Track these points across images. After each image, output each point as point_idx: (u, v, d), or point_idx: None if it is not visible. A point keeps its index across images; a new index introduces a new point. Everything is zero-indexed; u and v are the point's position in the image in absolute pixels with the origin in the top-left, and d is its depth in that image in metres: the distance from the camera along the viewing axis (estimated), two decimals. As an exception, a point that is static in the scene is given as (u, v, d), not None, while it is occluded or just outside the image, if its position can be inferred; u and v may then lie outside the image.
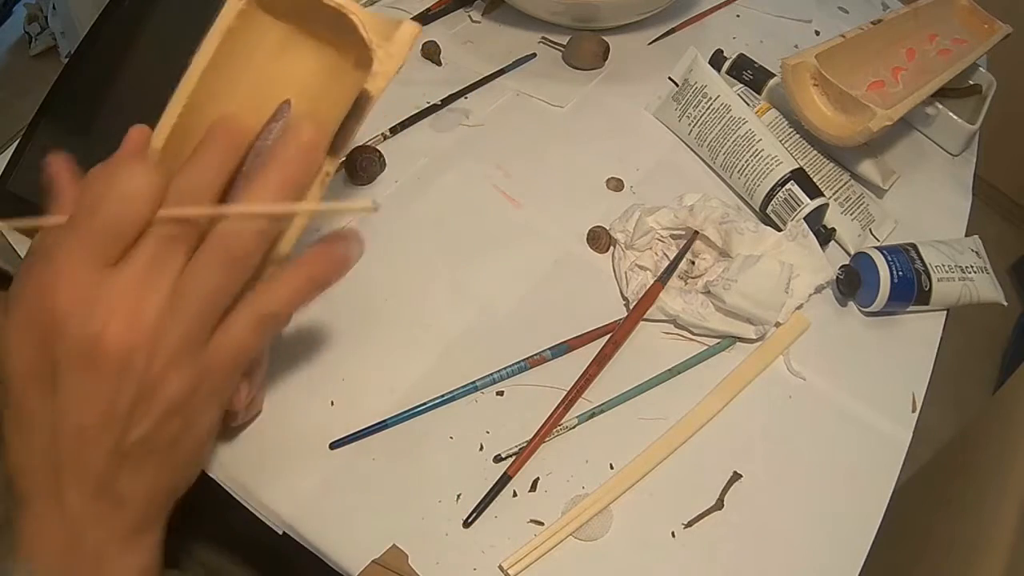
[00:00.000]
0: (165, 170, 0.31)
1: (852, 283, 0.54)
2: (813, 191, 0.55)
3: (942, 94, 0.67)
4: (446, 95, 0.63)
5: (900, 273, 0.53)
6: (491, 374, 0.48)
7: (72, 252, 0.29)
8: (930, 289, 0.53)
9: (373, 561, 0.41)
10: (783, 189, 0.56)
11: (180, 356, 0.30)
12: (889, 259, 0.53)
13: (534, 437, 0.45)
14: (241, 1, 0.38)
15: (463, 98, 0.64)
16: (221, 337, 0.32)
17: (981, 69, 0.72)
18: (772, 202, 0.56)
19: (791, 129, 0.62)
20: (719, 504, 0.45)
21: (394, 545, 0.41)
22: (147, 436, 0.31)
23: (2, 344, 0.30)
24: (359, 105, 0.36)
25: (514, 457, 0.44)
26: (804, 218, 0.55)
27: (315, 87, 0.41)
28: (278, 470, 0.43)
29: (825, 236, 0.57)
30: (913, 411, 0.51)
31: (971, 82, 0.71)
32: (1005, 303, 0.55)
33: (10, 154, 0.53)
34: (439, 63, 0.67)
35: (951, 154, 0.69)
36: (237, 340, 0.32)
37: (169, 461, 0.33)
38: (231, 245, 0.31)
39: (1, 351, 0.30)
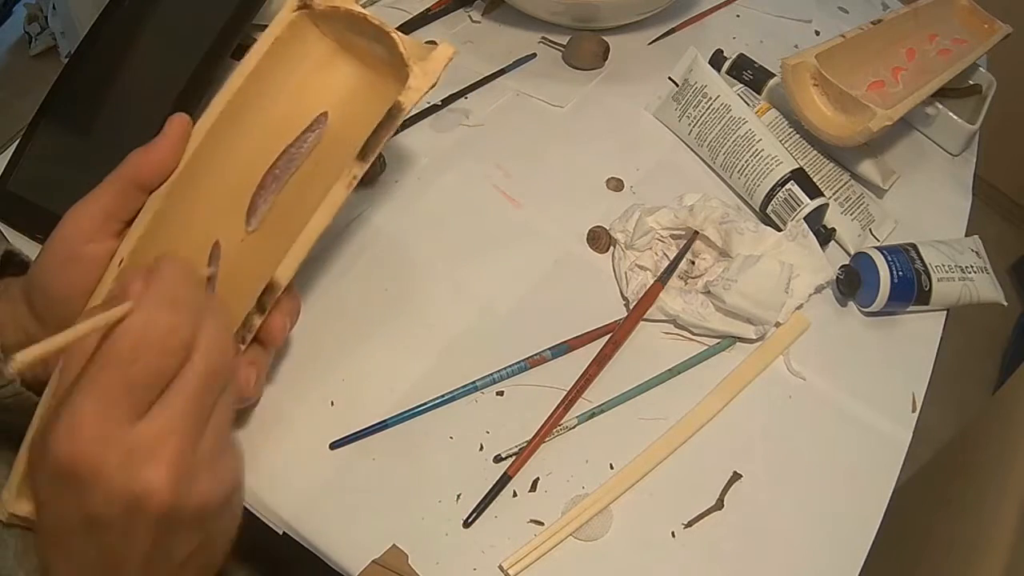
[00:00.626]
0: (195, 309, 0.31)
1: (852, 283, 0.54)
2: (813, 191, 0.55)
3: (942, 94, 0.67)
4: (446, 95, 0.63)
5: (900, 273, 0.53)
6: (491, 374, 0.47)
7: (104, 406, 0.28)
8: (930, 289, 0.53)
9: (373, 561, 0.41)
10: (783, 189, 0.56)
11: (210, 476, 0.31)
12: (889, 259, 0.53)
13: (534, 437, 0.45)
14: (293, 12, 0.40)
15: (463, 98, 0.64)
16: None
17: (981, 69, 0.72)
18: (772, 202, 0.56)
19: (791, 129, 0.62)
20: (719, 504, 0.45)
21: (394, 545, 0.41)
22: (194, 549, 0.32)
23: (37, 498, 0.31)
24: (391, 115, 0.38)
25: (514, 457, 0.45)
26: (804, 218, 0.55)
27: (352, 104, 0.43)
28: (278, 470, 0.43)
29: (825, 236, 0.57)
30: (913, 411, 0.51)
31: (971, 82, 0.71)
32: (1005, 303, 0.55)
33: (10, 154, 0.53)
34: (439, 63, 0.67)
35: (951, 154, 0.69)
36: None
37: (216, 552, 0.34)
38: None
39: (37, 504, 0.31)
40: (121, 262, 0.38)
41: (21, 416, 0.38)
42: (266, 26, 0.41)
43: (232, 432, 0.34)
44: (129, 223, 0.39)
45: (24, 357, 0.26)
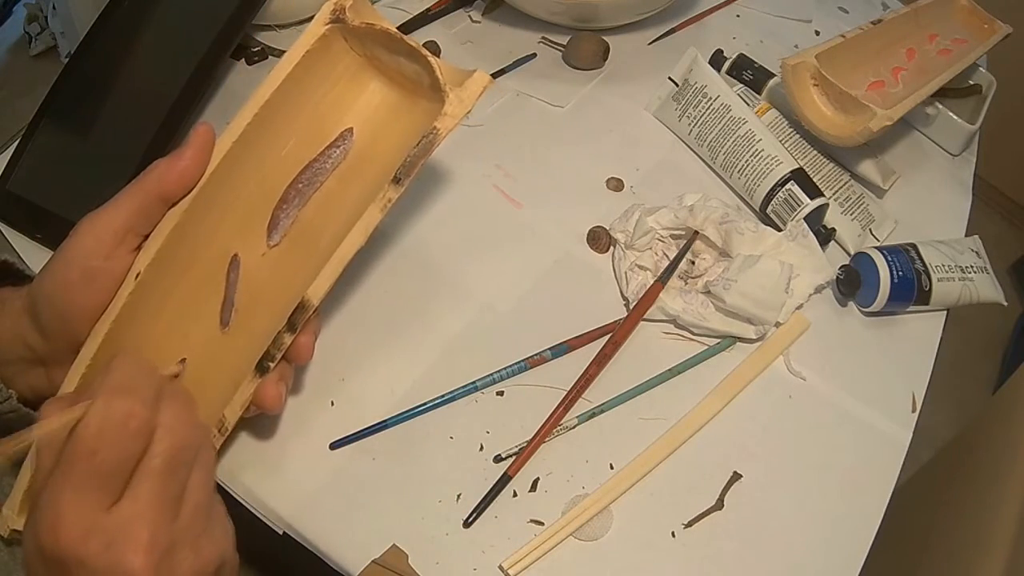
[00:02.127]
0: (155, 395, 0.32)
1: (852, 283, 0.54)
2: (813, 191, 0.55)
3: (942, 94, 0.67)
4: (446, 95, 0.63)
5: (900, 273, 0.53)
6: (491, 374, 0.48)
7: (79, 496, 0.29)
8: (930, 289, 0.53)
9: (373, 561, 0.41)
10: (783, 189, 0.56)
11: (192, 553, 0.31)
12: (889, 259, 0.53)
13: (534, 437, 0.45)
14: (325, 26, 0.40)
15: (463, 98, 0.64)
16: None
17: (981, 69, 0.72)
18: (772, 202, 0.56)
19: (791, 129, 0.62)
20: (719, 504, 0.45)
21: (394, 545, 0.41)
22: None
23: None
24: (427, 141, 0.38)
25: (514, 457, 0.45)
26: (804, 218, 0.55)
27: (377, 121, 0.43)
28: (278, 470, 0.43)
29: (825, 236, 0.57)
30: (913, 411, 0.51)
31: (971, 82, 0.71)
32: (1005, 303, 0.55)
33: (10, 154, 0.53)
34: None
35: (951, 154, 0.69)
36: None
37: None
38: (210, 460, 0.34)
39: None
40: (138, 276, 0.37)
41: (23, 428, 0.38)
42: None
43: (218, 505, 0.34)
44: (148, 235, 0.38)
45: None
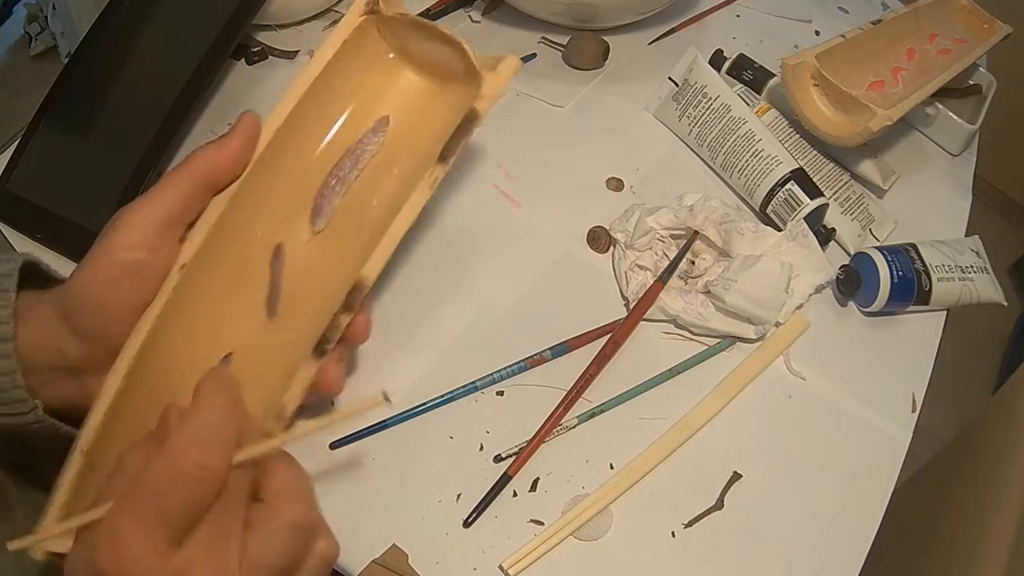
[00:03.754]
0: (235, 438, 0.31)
1: (852, 283, 0.54)
2: (813, 191, 0.55)
3: (942, 94, 0.67)
4: (446, 95, 0.63)
5: (900, 273, 0.53)
6: (491, 374, 0.48)
7: (144, 530, 0.28)
8: (930, 289, 0.53)
9: (373, 561, 0.41)
10: (783, 189, 0.56)
11: None
12: (889, 259, 0.53)
13: (534, 437, 0.45)
14: (360, 17, 0.41)
15: (463, 98, 0.64)
16: None
17: (981, 69, 0.72)
18: (772, 202, 0.56)
19: (791, 129, 0.62)
20: (719, 504, 0.45)
21: (394, 545, 0.41)
22: None
23: None
24: (467, 121, 0.39)
25: (514, 457, 0.45)
26: (804, 218, 0.55)
27: (410, 108, 0.44)
28: (278, 470, 0.43)
29: (825, 236, 0.57)
30: (913, 411, 0.51)
31: (971, 82, 0.71)
32: (1005, 303, 0.55)
33: (10, 154, 0.53)
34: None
35: (951, 154, 0.69)
36: None
37: None
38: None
39: None
40: (183, 267, 0.36)
41: (48, 442, 0.36)
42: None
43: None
44: (191, 225, 0.37)
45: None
